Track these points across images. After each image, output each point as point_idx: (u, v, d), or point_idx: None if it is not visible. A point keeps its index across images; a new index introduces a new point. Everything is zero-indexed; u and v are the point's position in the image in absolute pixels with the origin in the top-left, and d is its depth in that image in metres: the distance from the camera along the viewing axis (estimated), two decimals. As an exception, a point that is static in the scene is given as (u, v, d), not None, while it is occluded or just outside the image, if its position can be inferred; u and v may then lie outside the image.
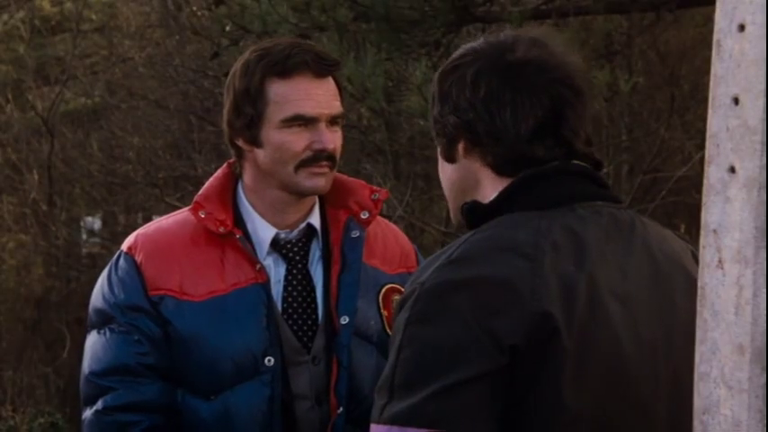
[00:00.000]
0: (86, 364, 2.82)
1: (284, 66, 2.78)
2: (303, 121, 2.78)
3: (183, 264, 2.80)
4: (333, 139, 2.79)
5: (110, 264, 2.85)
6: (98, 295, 2.83)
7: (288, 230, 2.85)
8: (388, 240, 2.96)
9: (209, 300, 2.77)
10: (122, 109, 14.51)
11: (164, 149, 14.07)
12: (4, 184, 14.89)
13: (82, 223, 15.78)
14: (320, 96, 2.79)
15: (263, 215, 2.85)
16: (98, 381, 2.78)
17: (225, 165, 2.93)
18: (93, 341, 2.82)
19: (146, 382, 2.76)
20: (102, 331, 2.81)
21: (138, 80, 14.64)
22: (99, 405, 2.77)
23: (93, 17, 15.74)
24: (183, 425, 2.78)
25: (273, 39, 2.96)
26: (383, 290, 2.87)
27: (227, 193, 2.86)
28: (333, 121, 2.81)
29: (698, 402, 1.71)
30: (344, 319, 2.79)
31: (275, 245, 2.84)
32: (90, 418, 2.79)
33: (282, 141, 2.79)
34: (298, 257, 2.85)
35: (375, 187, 2.95)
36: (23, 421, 12.48)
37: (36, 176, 14.88)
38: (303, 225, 2.86)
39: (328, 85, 2.81)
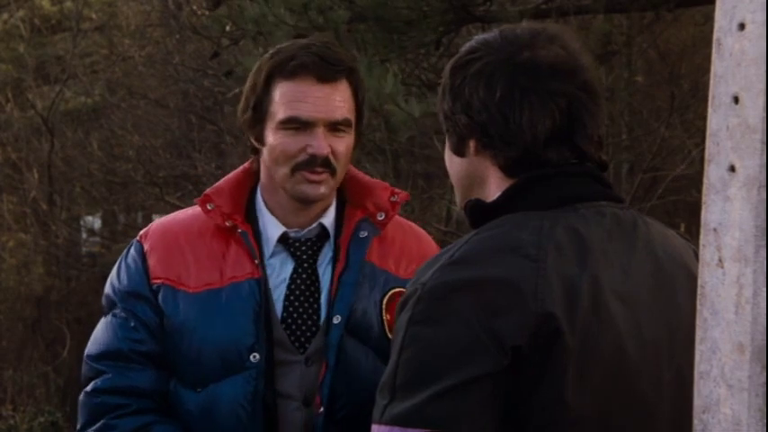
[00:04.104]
0: (87, 347, 2.87)
1: (288, 67, 2.77)
2: (299, 125, 2.76)
3: (186, 254, 2.81)
4: (329, 145, 2.75)
5: (125, 250, 2.90)
6: (109, 281, 2.88)
7: (298, 229, 2.84)
8: (407, 243, 2.92)
9: (204, 292, 2.78)
10: (122, 108, 14.52)
11: (164, 148, 14.07)
12: (5, 183, 14.90)
13: (82, 222, 15.80)
14: (320, 100, 2.75)
15: (273, 213, 2.84)
16: (92, 363, 2.83)
17: (249, 161, 2.93)
18: (98, 325, 2.87)
19: (137, 369, 2.78)
20: (107, 316, 2.85)
21: (138, 79, 14.65)
22: (90, 387, 2.82)
23: (93, 16, 15.75)
24: (173, 414, 2.80)
25: (299, 39, 2.90)
26: (389, 294, 2.84)
27: (242, 189, 2.87)
28: (335, 126, 2.77)
29: (698, 401, 1.71)
30: (336, 319, 2.77)
31: (285, 243, 2.83)
32: (82, 399, 2.84)
33: (278, 143, 2.78)
34: (305, 257, 2.83)
35: (396, 189, 2.92)
36: (23, 420, 12.49)
37: (36, 175, 14.89)
38: (314, 225, 2.84)
39: (333, 90, 2.77)
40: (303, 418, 2.77)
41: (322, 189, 2.78)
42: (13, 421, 12.57)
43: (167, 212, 3.01)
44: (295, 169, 2.77)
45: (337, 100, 2.77)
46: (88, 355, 2.84)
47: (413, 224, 3.05)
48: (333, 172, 2.78)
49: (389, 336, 2.72)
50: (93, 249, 15.58)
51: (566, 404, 1.98)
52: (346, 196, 2.89)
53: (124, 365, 2.79)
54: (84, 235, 15.81)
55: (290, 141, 2.76)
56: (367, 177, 2.93)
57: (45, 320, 14.92)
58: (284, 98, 2.77)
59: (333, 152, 2.77)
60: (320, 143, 2.75)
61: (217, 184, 2.89)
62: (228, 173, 2.98)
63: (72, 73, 14.85)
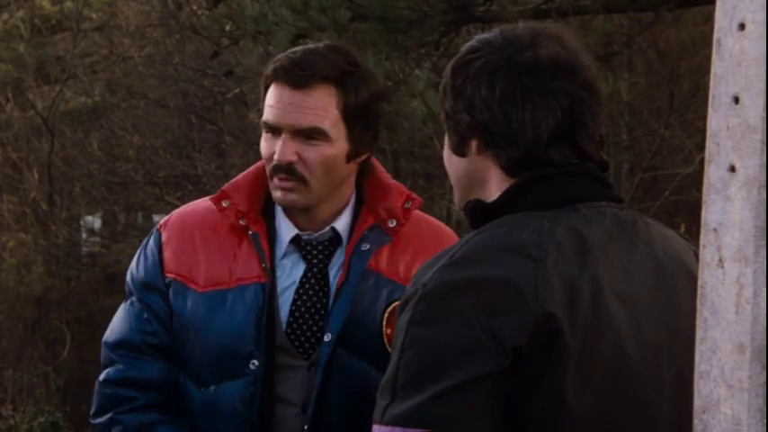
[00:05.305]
0: (106, 332, 2.89)
1: (271, 71, 2.75)
2: (270, 130, 2.74)
3: (199, 250, 2.80)
4: (298, 153, 2.71)
5: (146, 237, 2.91)
6: (130, 267, 2.90)
7: (310, 232, 2.80)
8: (423, 245, 2.82)
9: (212, 292, 2.77)
10: (122, 108, 14.53)
11: (164, 148, 14.08)
12: (5, 183, 14.91)
13: (82, 222, 15.81)
14: (288, 106, 2.70)
15: (287, 213, 2.82)
16: (108, 351, 2.86)
17: None
18: (118, 310, 2.90)
19: (148, 360, 2.80)
20: (125, 303, 2.87)
21: (138, 79, 14.66)
22: (102, 376, 2.85)
23: (94, 16, 15.75)
24: (180, 407, 2.81)
25: (309, 44, 2.84)
26: (391, 307, 2.76)
27: (261, 184, 2.83)
28: (303, 134, 2.72)
29: (698, 401, 1.71)
30: (327, 337, 2.73)
31: (297, 245, 2.81)
32: (96, 388, 2.87)
33: (261, 145, 2.78)
34: (316, 260, 2.80)
35: (413, 195, 2.85)
36: (23, 420, 12.49)
37: (36, 175, 14.90)
38: (327, 228, 2.81)
39: (305, 96, 2.71)
40: (300, 425, 2.75)
41: (292, 197, 2.74)
42: (13, 421, 12.57)
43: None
44: (270, 175, 2.76)
45: (307, 107, 2.71)
46: (105, 342, 2.87)
47: (434, 222, 2.96)
48: (302, 180, 2.73)
49: (389, 349, 2.68)
50: (93, 249, 15.59)
51: (566, 404, 1.98)
52: (364, 197, 2.85)
53: (136, 357, 2.80)
54: (84, 235, 15.82)
55: (266, 145, 2.76)
56: (386, 178, 2.87)
57: (45, 320, 14.92)
58: (266, 101, 2.75)
59: (303, 160, 2.72)
60: (281, 149, 2.71)
61: (235, 178, 2.86)
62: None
63: (72, 73, 14.86)
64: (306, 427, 2.73)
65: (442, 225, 2.99)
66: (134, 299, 2.84)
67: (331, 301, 2.77)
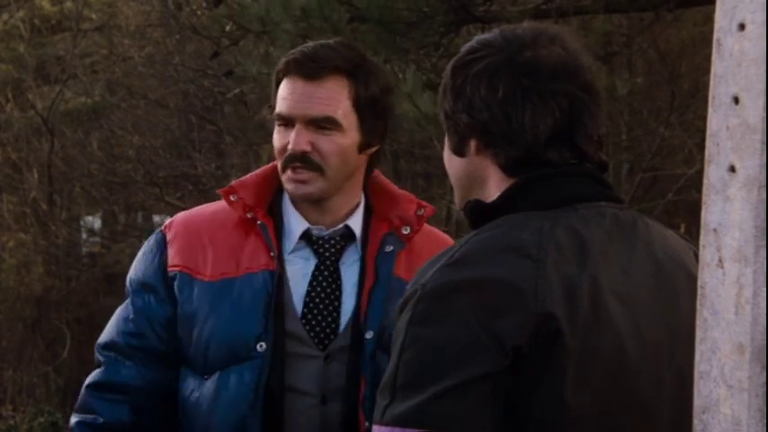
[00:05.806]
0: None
1: (284, 65, 2.81)
2: (283, 121, 2.80)
3: (206, 244, 2.84)
4: (312, 143, 2.77)
5: (147, 240, 2.95)
6: (129, 272, 2.93)
7: (322, 227, 2.85)
8: (435, 253, 2.90)
9: (219, 281, 2.81)
10: (122, 108, 14.52)
11: (164, 148, 14.07)
12: (5, 183, 14.90)
13: (82, 222, 15.79)
14: (301, 97, 2.77)
15: (298, 208, 2.87)
16: (96, 353, 2.90)
17: None
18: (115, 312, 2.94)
19: (129, 365, 2.84)
20: (122, 304, 2.91)
21: (138, 79, 14.65)
22: (88, 379, 2.90)
23: (93, 16, 15.75)
24: (181, 404, 2.83)
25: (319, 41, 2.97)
26: None
27: (268, 183, 2.88)
28: (316, 123, 2.78)
29: (698, 401, 1.71)
30: (369, 334, 2.78)
31: (308, 240, 2.85)
32: (82, 390, 2.91)
33: (274, 138, 2.83)
34: (328, 254, 2.85)
35: (422, 202, 2.92)
36: (23, 420, 12.49)
37: (36, 175, 14.89)
38: (340, 225, 2.86)
39: (317, 87, 2.78)
40: (320, 416, 2.78)
41: (307, 188, 2.80)
42: (13, 421, 12.57)
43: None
44: (284, 167, 2.80)
45: (319, 97, 2.78)
46: (96, 343, 2.91)
47: (441, 233, 3.04)
48: (318, 169, 2.78)
49: None
50: (93, 249, 15.57)
51: (566, 404, 1.99)
52: (372, 205, 2.90)
53: (120, 360, 2.85)
54: (84, 235, 15.81)
55: (279, 137, 2.81)
56: (393, 187, 2.94)
57: (45, 320, 14.92)
58: (279, 95, 2.82)
59: (317, 149, 2.78)
60: (295, 139, 2.77)
61: (243, 177, 2.93)
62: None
63: (72, 73, 14.85)
64: (366, 424, 2.72)
65: (447, 236, 3.06)
66: (128, 300, 2.88)
67: (345, 294, 2.82)
